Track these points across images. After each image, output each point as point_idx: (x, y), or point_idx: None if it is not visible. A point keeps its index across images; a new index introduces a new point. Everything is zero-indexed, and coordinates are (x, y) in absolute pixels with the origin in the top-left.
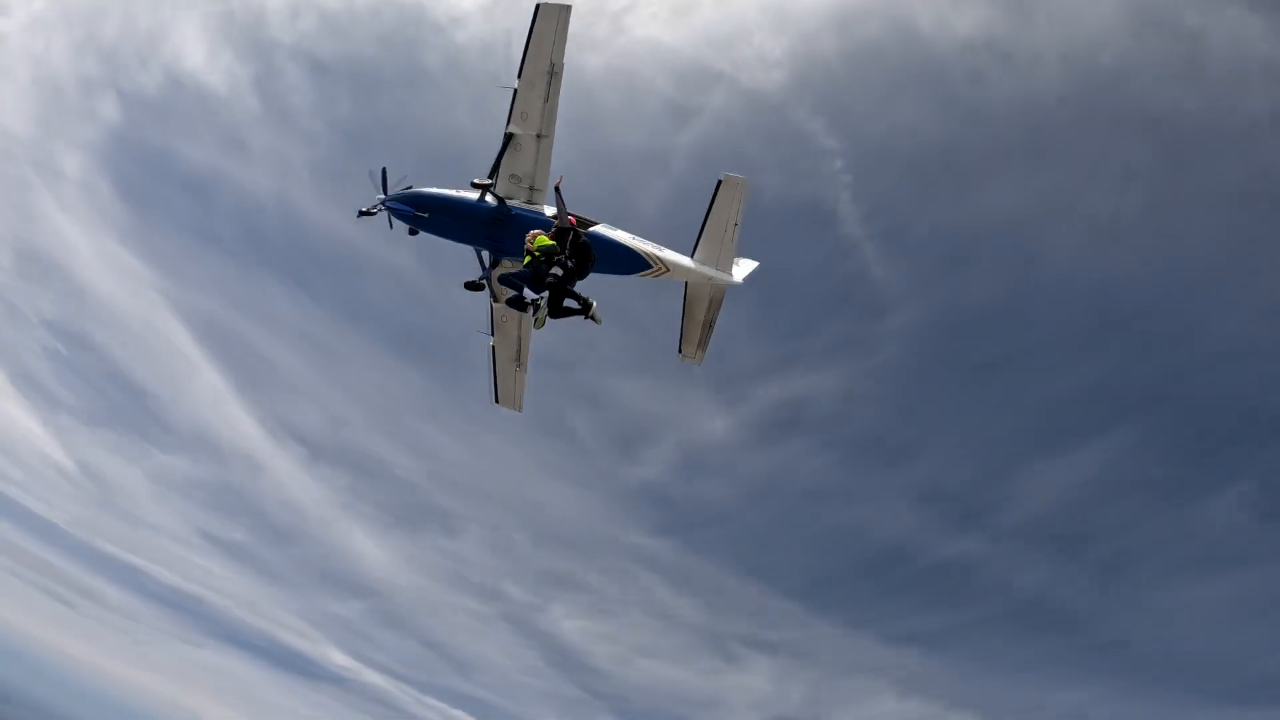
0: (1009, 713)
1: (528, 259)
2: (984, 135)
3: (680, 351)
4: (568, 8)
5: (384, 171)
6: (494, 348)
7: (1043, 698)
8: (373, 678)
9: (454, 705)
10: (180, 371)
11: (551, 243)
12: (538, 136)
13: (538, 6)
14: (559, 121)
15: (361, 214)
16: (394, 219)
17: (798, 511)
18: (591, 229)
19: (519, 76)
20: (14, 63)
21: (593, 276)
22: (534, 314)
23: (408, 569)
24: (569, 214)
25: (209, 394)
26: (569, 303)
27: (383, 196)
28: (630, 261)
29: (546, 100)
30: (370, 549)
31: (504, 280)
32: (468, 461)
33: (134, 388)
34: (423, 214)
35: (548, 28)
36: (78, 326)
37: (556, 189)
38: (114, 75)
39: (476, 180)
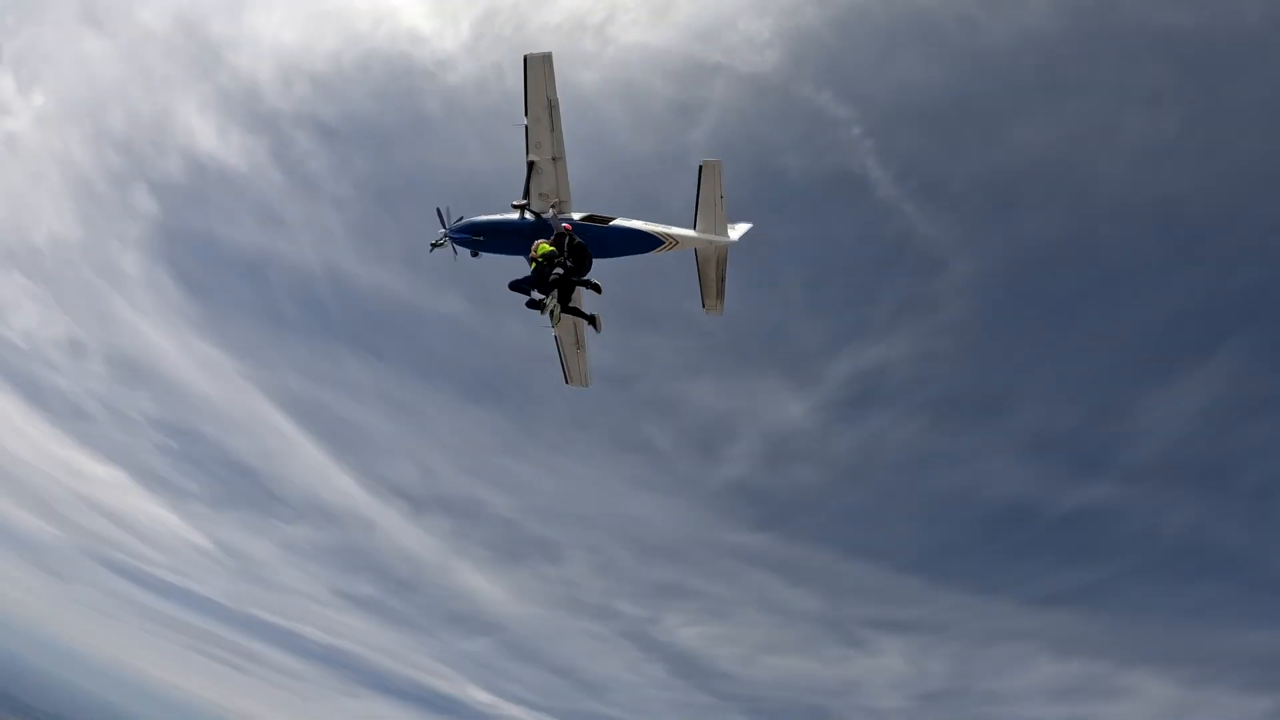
0: (1191, 663)
1: (533, 265)
2: (994, 78)
3: (703, 306)
4: (549, 55)
5: (447, 210)
6: (557, 337)
7: (1226, 643)
8: (513, 710)
9: None
10: (282, 448)
11: (551, 248)
12: (553, 159)
13: (525, 58)
14: (571, 141)
15: (433, 247)
16: (457, 247)
17: (897, 483)
18: (611, 223)
19: (525, 115)
20: (37, 163)
21: (626, 258)
22: (548, 312)
23: (522, 600)
24: (564, 223)
25: (312, 465)
26: (576, 301)
27: (445, 230)
28: (647, 242)
29: (553, 130)
30: (485, 586)
31: (513, 286)
32: (557, 489)
33: (246, 469)
34: (479, 238)
35: (537, 74)
36: (182, 421)
37: (552, 207)
38: (138, 166)
39: (515, 202)
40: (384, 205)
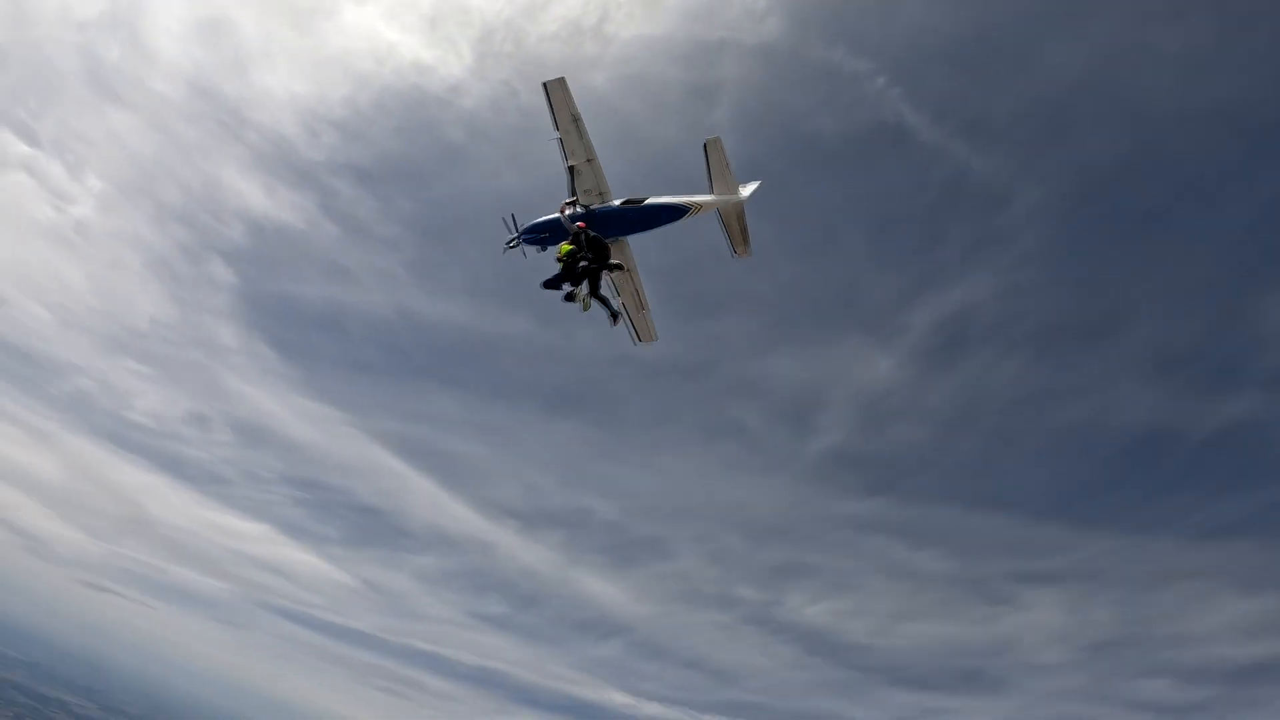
0: None
1: (561, 263)
2: (1004, 9)
3: (734, 254)
4: (562, 79)
5: (513, 217)
6: (623, 304)
7: None
8: (652, 709)
9: (732, 716)
10: (397, 486)
11: (571, 247)
12: (588, 161)
13: (545, 85)
14: (600, 142)
15: (507, 248)
16: (527, 248)
17: (1011, 426)
18: (645, 201)
19: (556, 129)
20: (113, 248)
21: (666, 227)
22: (580, 301)
23: (643, 599)
24: (577, 223)
25: (427, 498)
26: (605, 286)
27: (515, 234)
28: (677, 210)
29: (582, 138)
30: (605, 590)
31: (546, 285)
32: (656, 487)
33: (371, 509)
34: (544, 235)
35: (557, 95)
36: (307, 474)
37: (561, 212)
38: (205, 237)
39: (565, 200)
40: (434, 239)
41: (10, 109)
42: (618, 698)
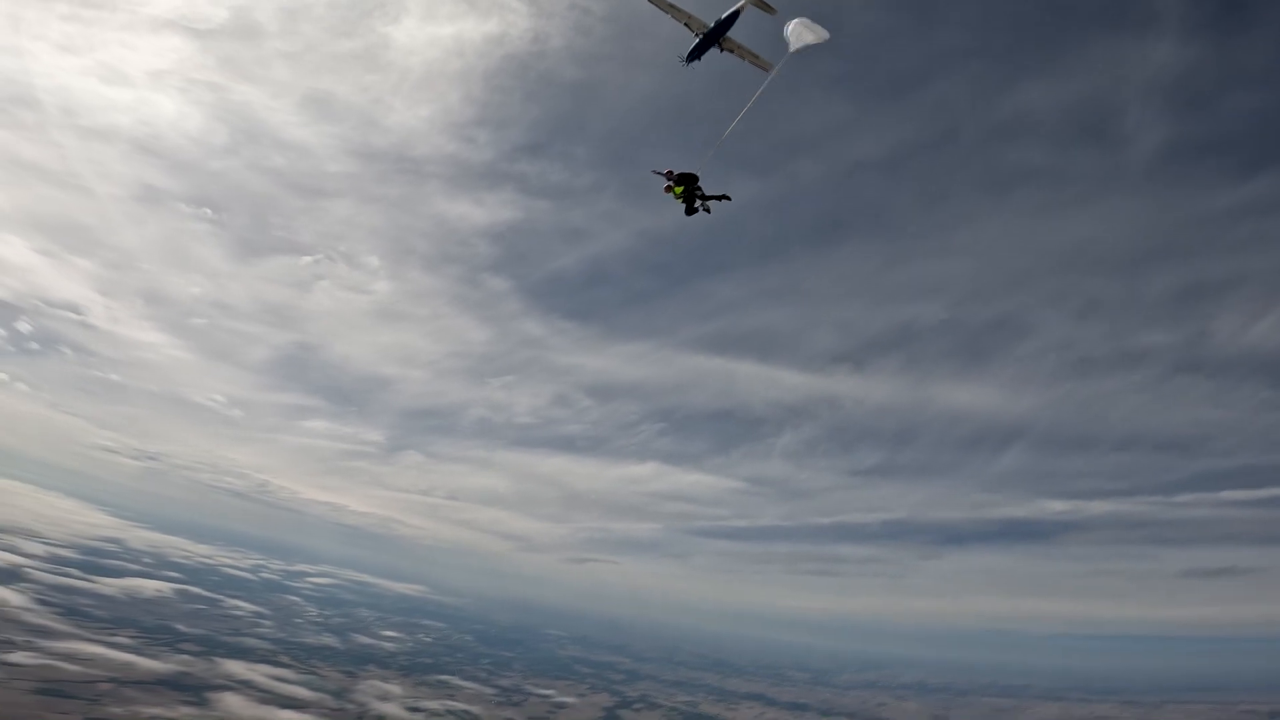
0: None
1: (681, 201)
2: None
3: (769, 13)
4: None
5: (679, 55)
6: (753, 64)
7: None
8: (1100, 507)
9: (1211, 490)
10: (731, 384)
11: (679, 190)
12: (690, 17)
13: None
14: (694, 5)
15: (683, 60)
16: (694, 63)
17: None
18: (722, 16)
19: (664, 12)
20: (426, 303)
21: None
22: (722, 198)
23: (1023, 389)
24: (665, 171)
25: (756, 381)
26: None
27: (685, 58)
28: (734, 15)
29: (678, 9)
30: (974, 397)
31: (689, 213)
32: (971, 267)
33: (718, 413)
34: (696, 52)
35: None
36: (656, 405)
37: (655, 172)
38: (469, 265)
39: (695, 34)
40: (624, 163)
41: (267, 237)
42: (1054, 505)
